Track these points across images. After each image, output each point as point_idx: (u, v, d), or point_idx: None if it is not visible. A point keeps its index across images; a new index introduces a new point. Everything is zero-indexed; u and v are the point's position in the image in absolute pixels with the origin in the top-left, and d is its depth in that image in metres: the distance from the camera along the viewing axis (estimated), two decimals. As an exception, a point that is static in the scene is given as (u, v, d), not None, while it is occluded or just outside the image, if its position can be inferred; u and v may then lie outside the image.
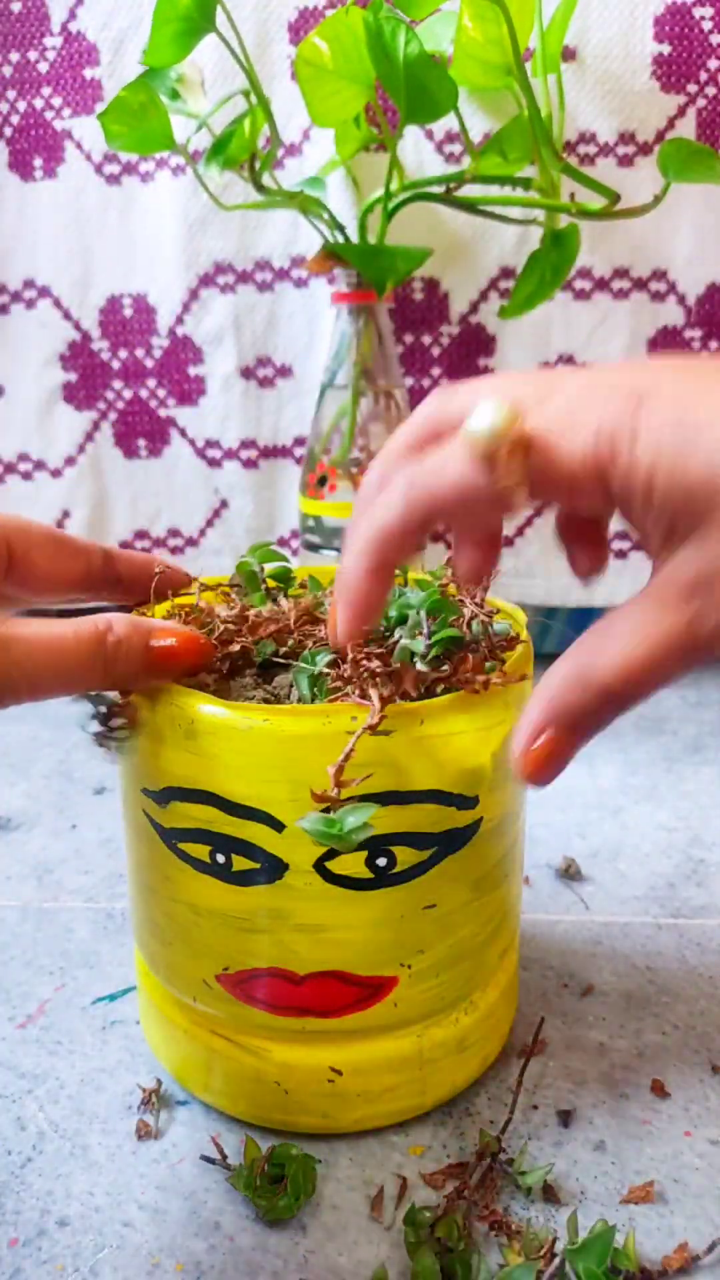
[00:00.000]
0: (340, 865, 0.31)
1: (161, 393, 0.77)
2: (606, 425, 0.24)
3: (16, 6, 0.69)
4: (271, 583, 0.40)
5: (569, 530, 0.31)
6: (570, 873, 0.53)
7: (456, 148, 0.68)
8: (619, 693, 0.25)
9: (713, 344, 0.71)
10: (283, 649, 0.35)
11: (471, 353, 0.73)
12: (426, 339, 0.73)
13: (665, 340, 0.71)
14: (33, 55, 0.70)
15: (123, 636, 0.29)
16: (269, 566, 0.39)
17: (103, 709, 0.32)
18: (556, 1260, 0.30)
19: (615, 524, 0.74)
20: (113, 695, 0.32)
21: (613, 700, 0.25)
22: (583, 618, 0.83)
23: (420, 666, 0.32)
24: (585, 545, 0.31)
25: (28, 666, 0.27)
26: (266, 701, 0.33)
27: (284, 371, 0.75)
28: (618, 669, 0.25)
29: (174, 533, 0.81)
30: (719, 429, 0.23)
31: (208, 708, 0.31)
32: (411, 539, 0.27)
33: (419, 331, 0.73)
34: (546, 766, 0.27)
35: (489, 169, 0.61)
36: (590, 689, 0.25)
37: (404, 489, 0.27)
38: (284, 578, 0.39)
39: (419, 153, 0.69)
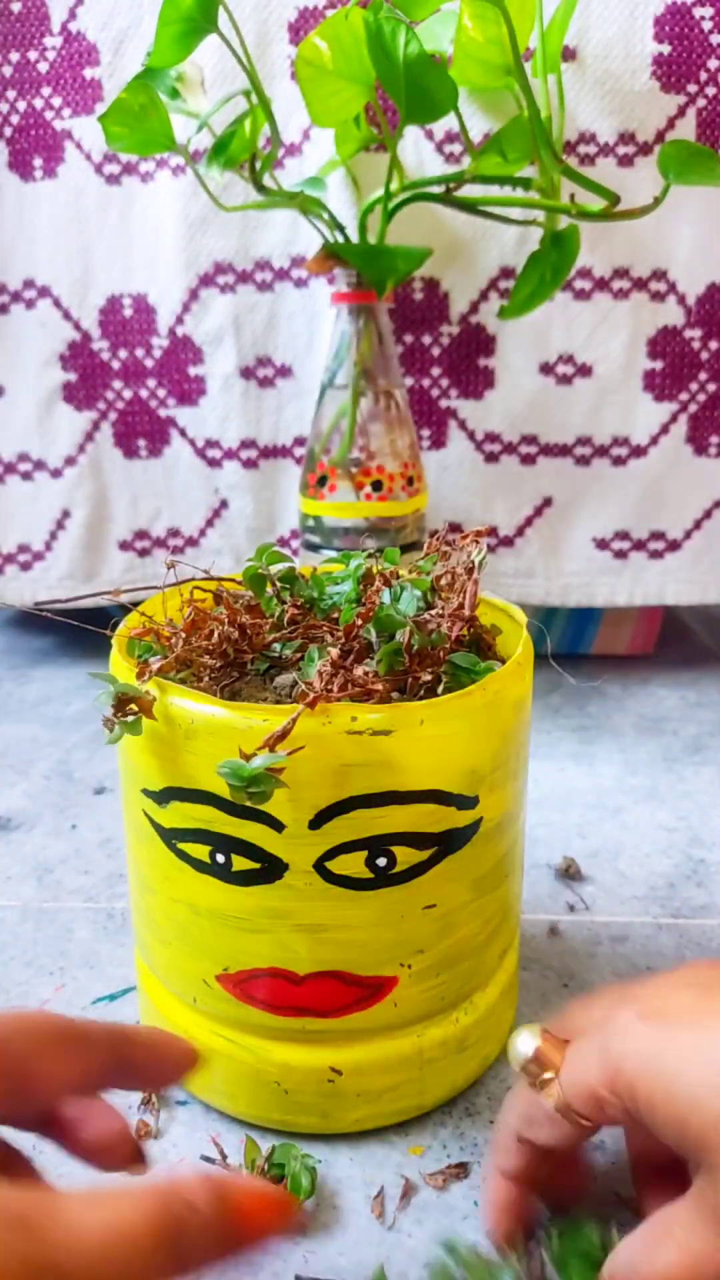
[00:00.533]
0: (340, 865, 0.31)
1: (161, 393, 0.77)
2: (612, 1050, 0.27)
3: (16, 6, 0.69)
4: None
5: (639, 1172, 0.33)
6: (570, 873, 0.53)
7: (456, 148, 0.68)
8: None
9: (713, 344, 0.71)
10: (286, 650, 0.35)
11: (471, 353, 0.73)
12: (426, 339, 0.73)
13: (665, 340, 0.71)
14: (33, 55, 0.70)
15: (202, 1212, 0.21)
16: (275, 568, 0.39)
17: (117, 696, 0.32)
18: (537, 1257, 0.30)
19: (619, 525, 0.72)
20: (127, 685, 0.32)
21: None
22: (583, 617, 0.83)
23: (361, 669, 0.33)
24: (657, 1188, 0.31)
25: (68, 1265, 0.19)
26: (277, 703, 0.33)
27: (284, 371, 0.75)
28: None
29: (174, 533, 0.81)
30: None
31: (208, 708, 0.31)
32: (524, 1154, 0.31)
33: (419, 331, 0.73)
34: None
35: (489, 169, 0.61)
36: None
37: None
38: (290, 579, 0.39)
39: (419, 153, 0.69)
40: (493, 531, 0.77)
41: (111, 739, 0.32)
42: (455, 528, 0.77)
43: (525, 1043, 0.30)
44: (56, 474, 0.79)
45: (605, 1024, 0.28)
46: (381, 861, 0.32)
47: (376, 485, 0.63)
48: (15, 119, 0.72)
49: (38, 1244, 0.19)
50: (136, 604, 0.38)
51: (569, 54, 0.66)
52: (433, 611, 0.35)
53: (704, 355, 0.72)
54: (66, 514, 0.80)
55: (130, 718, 0.32)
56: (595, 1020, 0.29)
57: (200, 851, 0.32)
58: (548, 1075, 0.29)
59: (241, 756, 0.29)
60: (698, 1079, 0.25)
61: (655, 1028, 0.27)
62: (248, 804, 0.29)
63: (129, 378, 0.77)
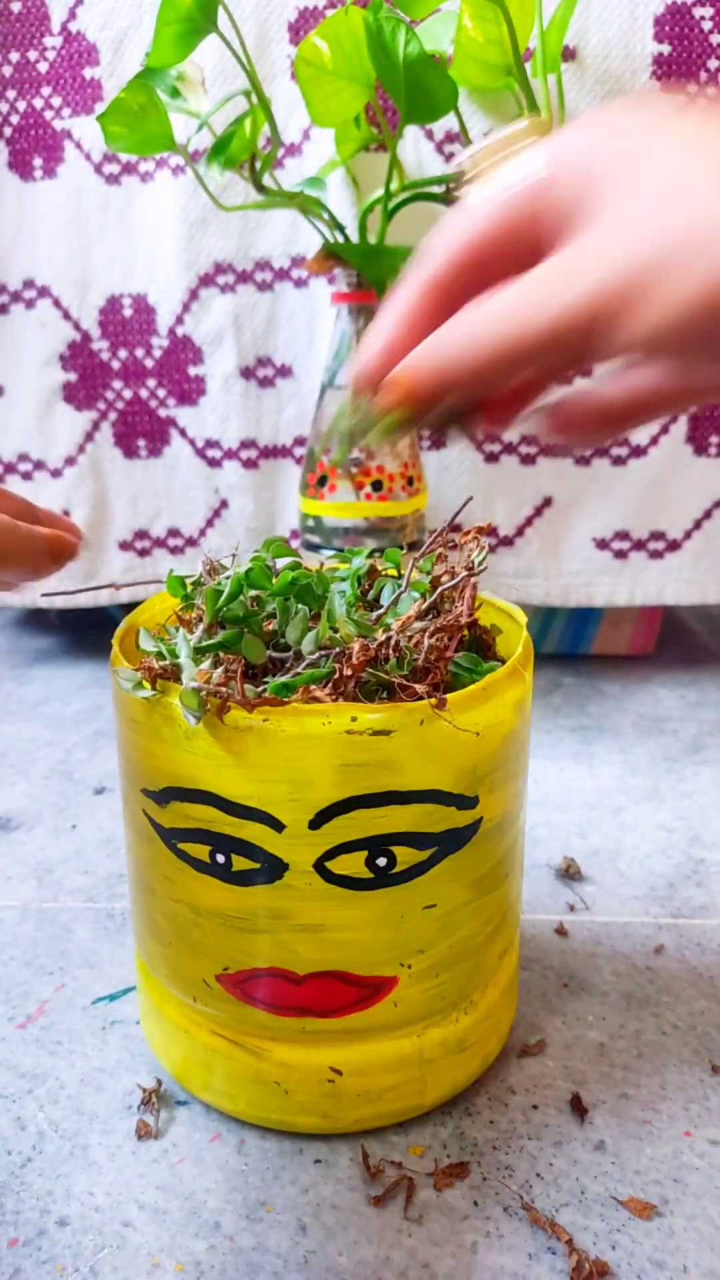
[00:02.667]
0: (340, 865, 0.31)
1: (161, 393, 0.77)
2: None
3: (16, 6, 0.69)
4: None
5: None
6: (570, 873, 0.53)
7: (456, 148, 0.68)
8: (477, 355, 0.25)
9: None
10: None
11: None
12: (426, 339, 0.73)
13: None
14: (33, 55, 0.70)
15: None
16: (280, 562, 0.39)
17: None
18: None
19: (619, 525, 0.72)
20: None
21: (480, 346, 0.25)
22: (583, 617, 0.83)
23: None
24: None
25: None
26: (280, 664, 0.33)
27: (284, 371, 0.75)
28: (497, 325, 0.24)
29: (174, 533, 0.81)
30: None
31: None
32: (459, 268, 0.27)
33: (419, 331, 0.73)
34: (394, 398, 0.26)
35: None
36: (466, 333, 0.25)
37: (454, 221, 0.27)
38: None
39: (419, 153, 0.69)
40: (493, 531, 0.77)
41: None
42: (455, 528, 0.77)
43: (474, 147, 0.27)
44: (56, 474, 0.79)
45: None
46: (381, 861, 0.32)
47: (376, 485, 0.63)
48: (15, 119, 0.72)
49: None
50: (138, 602, 0.38)
51: (569, 54, 0.66)
52: (428, 620, 0.34)
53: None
54: (67, 514, 0.80)
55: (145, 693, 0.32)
56: None
57: (200, 851, 0.32)
58: (479, 171, 0.27)
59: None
60: (624, 142, 0.23)
61: (610, 126, 0.24)
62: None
63: (129, 378, 0.77)
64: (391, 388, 0.26)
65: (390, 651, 0.32)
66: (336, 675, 0.31)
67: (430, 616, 0.34)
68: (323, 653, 0.33)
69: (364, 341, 0.29)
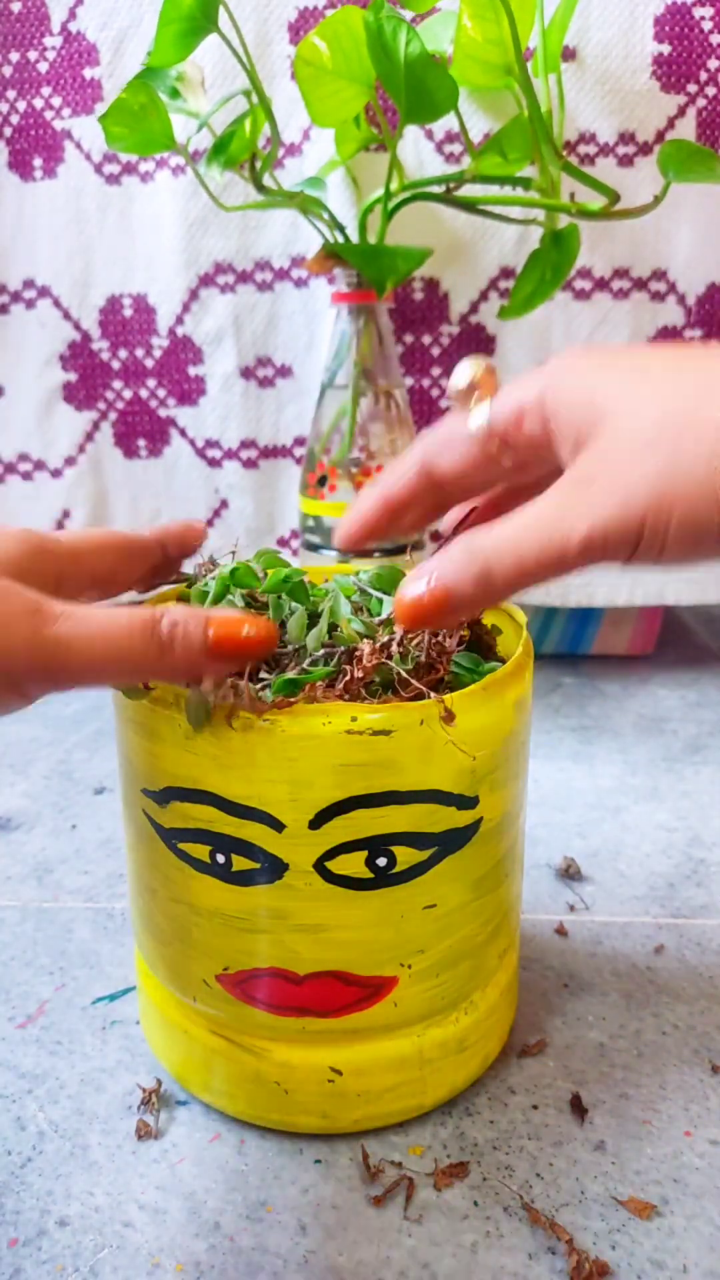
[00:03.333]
0: (340, 865, 0.31)
1: (161, 393, 0.77)
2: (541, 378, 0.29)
3: (16, 6, 0.69)
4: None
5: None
6: (570, 873, 0.53)
7: (456, 148, 0.68)
8: (500, 571, 0.28)
9: (713, 344, 0.71)
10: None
11: (472, 353, 0.73)
12: (426, 339, 0.73)
13: (665, 340, 0.71)
14: (33, 55, 0.70)
15: (179, 622, 0.28)
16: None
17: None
18: None
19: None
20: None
21: (491, 578, 0.28)
22: (583, 617, 0.83)
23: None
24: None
25: (83, 651, 0.26)
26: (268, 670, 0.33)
27: (284, 371, 0.75)
28: (502, 548, 0.28)
29: (174, 533, 0.81)
30: (590, 373, 0.28)
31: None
32: (414, 481, 0.32)
33: (419, 331, 0.73)
34: (419, 616, 0.29)
35: (489, 169, 0.61)
36: (475, 561, 0.28)
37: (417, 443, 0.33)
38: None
39: (419, 153, 0.69)
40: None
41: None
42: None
43: (466, 370, 0.30)
44: (56, 474, 0.79)
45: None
46: (381, 861, 0.32)
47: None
48: (15, 119, 0.72)
49: (47, 627, 0.25)
50: (138, 603, 0.38)
51: (569, 54, 0.66)
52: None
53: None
54: (67, 514, 0.80)
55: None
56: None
57: (200, 851, 0.32)
58: (480, 395, 0.30)
59: None
60: (615, 378, 0.27)
61: (595, 355, 0.28)
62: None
63: (129, 378, 0.77)
64: (410, 615, 0.29)
65: (396, 649, 0.32)
66: (348, 677, 0.31)
67: None
68: (326, 650, 0.33)
69: (355, 503, 0.33)
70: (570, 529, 0.26)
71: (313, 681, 0.31)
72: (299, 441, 0.77)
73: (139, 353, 0.76)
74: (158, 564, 0.35)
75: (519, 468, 0.31)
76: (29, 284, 0.75)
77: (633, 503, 0.25)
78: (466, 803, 0.33)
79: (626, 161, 0.68)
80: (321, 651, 0.33)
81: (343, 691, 0.31)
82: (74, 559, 0.31)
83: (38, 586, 0.27)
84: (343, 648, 0.33)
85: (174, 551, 0.36)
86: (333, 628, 0.34)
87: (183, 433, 0.78)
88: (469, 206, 0.62)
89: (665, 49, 0.65)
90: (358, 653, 0.32)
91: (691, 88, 0.66)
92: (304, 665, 0.32)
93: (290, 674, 0.32)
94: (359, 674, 0.31)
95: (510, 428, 0.29)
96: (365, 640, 0.32)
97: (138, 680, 0.31)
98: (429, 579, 0.28)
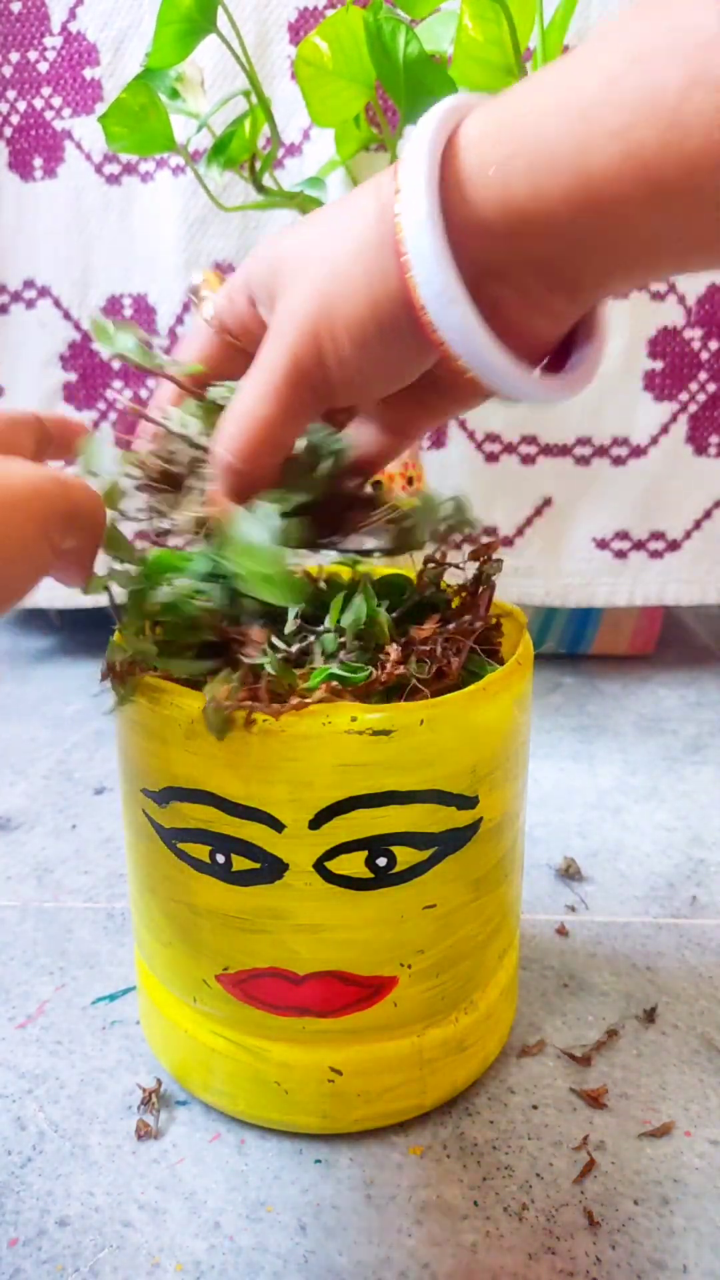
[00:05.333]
0: (340, 865, 0.31)
1: (161, 393, 0.77)
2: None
3: (16, 6, 0.69)
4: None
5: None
6: (570, 873, 0.53)
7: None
8: (234, 461, 0.30)
9: (713, 344, 0.71)
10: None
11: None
12: (426, 339, 0.73)
13: (665, 340, 0.71)
14: (33, 55, 0.70)
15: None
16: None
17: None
18: None
19: (619, 525, 0.72)
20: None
21: (239, 451, 0.30)
22: (583, 617, 0.83)
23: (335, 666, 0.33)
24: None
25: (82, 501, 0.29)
26: (287, 661, 0.32)
27: (284, 371, 0.75)
28: (232, 426, 0.30)
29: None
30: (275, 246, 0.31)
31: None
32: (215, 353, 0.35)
33: (419, 331, 0.73)
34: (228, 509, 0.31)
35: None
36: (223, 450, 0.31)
37: None
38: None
39: (419, 153, 0.69)
40: (493, 532, 0.77)
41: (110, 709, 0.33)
42: (469, 539, 0.77)
43: (195, 273, 0.36)
44: (56, 474, 0.79)
45: None
46: (381, 861, 0.32)
47: (376, 485, 0.63)
48: (15, 119, 0.72)
49: (66, 488, 0.27)
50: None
51: (569, 54, 0.66)
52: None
53: (704, 355, 0.72)
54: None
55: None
56: None
57: (200, 851, 0.32)
58: (205, 294, 0.35)
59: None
60: (288, 234, 0.30)
61: (282, 231, 0.31)
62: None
63: (129, 378, 0.77)
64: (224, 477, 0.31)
65: (419, 651, 0.32)
66: (372, 679, 0.31)
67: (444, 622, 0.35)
68: (350, 642, 0.33)
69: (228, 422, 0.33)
70: (272, 366, 0.29)
71: (356, 684, 0.31)
72: (299, 441, 0.76)
73: (139, 353, 0.76)
74: (40, 437, 0.35)
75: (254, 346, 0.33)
76: (29, 284, 0.75)
77: (304, 322, 0.28)
78: (466, 803, 0.33)
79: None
80: (347, 641, 0.33)
81: (363, 693, 0.31)
82: None
83: None
84: (374, 644, 0.33)
85: (53, 430, 0.35)
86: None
87: (183, 433, 0.78)
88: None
89: (665, 49, 0.65)
90: (384, 652, 0.32)
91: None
92: (339, 657, 0.32)
93: (335, 668, 0.31)
94: (383, 678, 0.31)
95: (227, 313, 0.33)
96: (392, 645, 0.32)
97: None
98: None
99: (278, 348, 0.29)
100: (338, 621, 0.33)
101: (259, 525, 0.29)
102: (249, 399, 0.30)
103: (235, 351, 0.34)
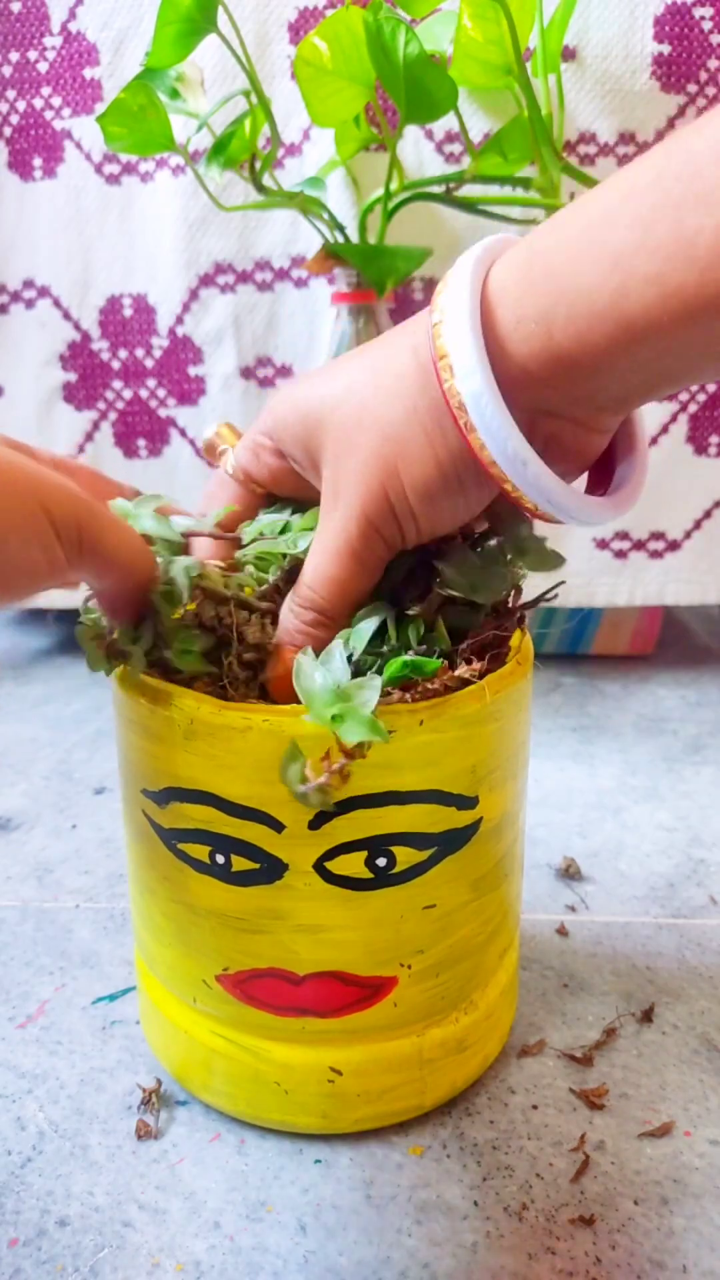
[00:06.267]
0: (340, 865, 0.31)
1: (161, 393, 0.77)
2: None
3: (16, 6, 0.69)
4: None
5: None
6: (570, 873, 0.53)
7: (456, 148, 0.68)
8: (321, 605, 0.31)
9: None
10: None
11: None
12: (426, 339, 0.73)
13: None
14: (33, 55, 0.70)
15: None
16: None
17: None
18: None
19: (619, 525, 0.72)
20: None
21: (319, 610, 0.32)
22: (583, 617, 0.83)
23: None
24: None
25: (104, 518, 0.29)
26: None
27: (284, 371, 0.75)
28: (314, 582, 0.31)
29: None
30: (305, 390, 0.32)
31: (207, 708, 0.31)
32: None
33: (419, 331, 0.73)
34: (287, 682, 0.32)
35: (489, 169, 0.61)
36: (300, 604, 0.32)
37: None
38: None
39: (419, 153, 0.69)
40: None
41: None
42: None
43: (208, 428, 0.37)
44: (56, 474, 0.79)
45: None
46: (381, 861, 0.32)
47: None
48: (15, 119, 0.72)
49: (89, 506, 0.28)
50: None
51: (569, 54, 0.66)
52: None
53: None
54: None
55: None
56: None
57: (200, 852, 0.32)
58: (223, 448, 0.35)
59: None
60: (315, 391, 0.31)
61: (302, 377, 0.33)
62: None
63: (129, 378, 0.77)
64: (281, 690, 0.32)
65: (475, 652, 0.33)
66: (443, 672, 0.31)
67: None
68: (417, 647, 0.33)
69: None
70: (346, 531, 0.30)
71: (429, 674, 0.31)
72: (299, 441, 0.76)
73: (139, 353, 0.76)
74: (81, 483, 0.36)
75: (283, 491, 0.35)
76: (29, 284, 0.75)
77: (372, 486, 0.29)
78: (466, 803, 0.33)
79: (626, 161, 0.68)
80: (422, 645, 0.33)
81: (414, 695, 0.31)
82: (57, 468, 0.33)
83: None
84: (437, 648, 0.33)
85: (92, 485, 0.37)
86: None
87: (183, 433, 0.78)
88: (469, 206, 0.62)
89: (665, 49, 0.65)
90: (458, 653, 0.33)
91: (691, 88, 0.66)
92: (416, 648, 0.32)
93: (409, 656, 0.31)
94: (456, 673, 0.31)
95: (251, 463, 0.34)
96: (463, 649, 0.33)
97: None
98: (279, 657, 0.32)
99: (348, 513, 0.30)
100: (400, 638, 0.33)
101: (322, 671, 0.29)
102: (327, 563, 0.31)
103: (261, 500, 0.36)
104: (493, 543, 0.33)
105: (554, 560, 0.34)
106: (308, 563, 0.32)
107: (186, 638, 0.31)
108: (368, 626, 0.32)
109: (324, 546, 0.31)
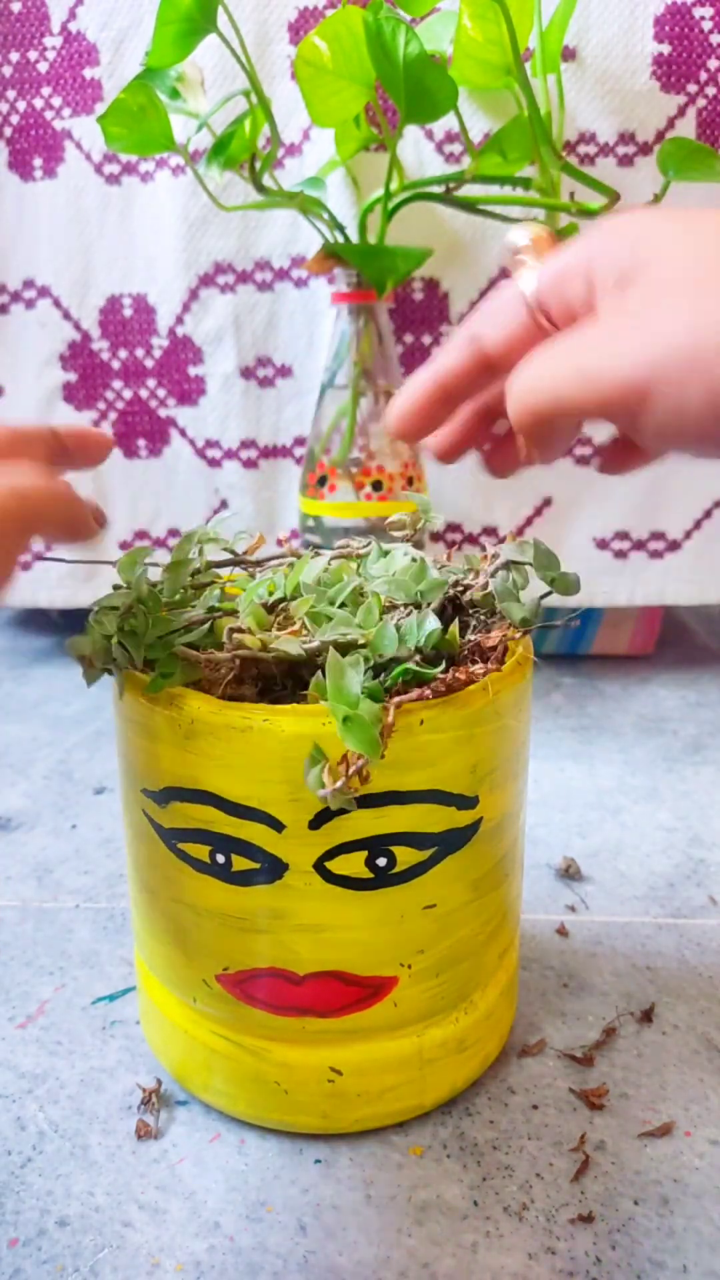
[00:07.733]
0: (340, 865, 0.31)
1: (161, 393, 0.77)
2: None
3: (16, 6, 0.69)
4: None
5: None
6: (570, 873, 0.53)
7: (456, 148, 0.68)
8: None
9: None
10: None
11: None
12: (426, 339, 0.73)
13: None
14: (33, 55, 0.70)
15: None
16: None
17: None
18: None
19: (619, 525, 0.72)
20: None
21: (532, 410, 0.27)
22: (583, 618, 0.83)
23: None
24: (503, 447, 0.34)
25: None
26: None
27: (284, 371, 0.75)
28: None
29: (174, 533, 0.81)
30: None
31: (207, 708, 0.31)
32: (466, 357, 0.30)
33: (419, 331, 0.73)
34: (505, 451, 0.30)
35: (489, 169, 0.61)
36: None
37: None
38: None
39: (419, 153, 0.69)
40: (493, 531, 0.77)
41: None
42: (455, 528, 0.77)
43: (524, 231, 0.30)
44: (56, 474, 0.79)
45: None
46: (381, 861, 0.32)
47: (376, 485, 0.63)
48: (15, 119, 0.72)
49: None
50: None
51: (569, 54, 0.66)
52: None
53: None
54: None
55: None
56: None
57: (200, 851, 0.32)
58: (530, 261, 0.30)
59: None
60: (654, 229, 0.26)
61: (642, 213, 0.27)
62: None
63: (129, 378, 0.77)
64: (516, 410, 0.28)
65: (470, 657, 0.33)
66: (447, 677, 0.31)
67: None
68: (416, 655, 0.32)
69: (406, 387, 0.31)
70: (617, 361, 0.25)
71: (430, 680, 0.31)
72: (299, 442, 0.77)
73: (139, 353, 0.76)
74: (52, 449, 0.32)
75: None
76: (29, 284, 0.75)
77: (683, 344, 0.24)
78: (466, 803, 0.33)
79: (626, 161, 0.68)
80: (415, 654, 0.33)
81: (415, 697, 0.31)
82: None
83: None
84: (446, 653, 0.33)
85: (71, 444, 0.33)
86: None
87: (183, 433, 0.78)
88: (469, 206, 0.62)
89: (665, 49, 0.65)
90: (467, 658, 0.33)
91: (691, 88, 0.66)
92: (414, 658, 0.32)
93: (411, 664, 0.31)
94: (441, 688, 0.31)
95: (553, 288, 0.28)
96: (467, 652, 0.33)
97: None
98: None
99: (624, 349, 0.25)
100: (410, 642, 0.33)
101: (356, 674, 0.29)
102: (572, 370, 0.26)
103: (541, 337, 0.29)
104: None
105: (574, 585, 0.34)
106: (544, 360, 0.27)
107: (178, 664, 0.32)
108: (391, 633, 0.32)
109: (578, 349, 0.26)
